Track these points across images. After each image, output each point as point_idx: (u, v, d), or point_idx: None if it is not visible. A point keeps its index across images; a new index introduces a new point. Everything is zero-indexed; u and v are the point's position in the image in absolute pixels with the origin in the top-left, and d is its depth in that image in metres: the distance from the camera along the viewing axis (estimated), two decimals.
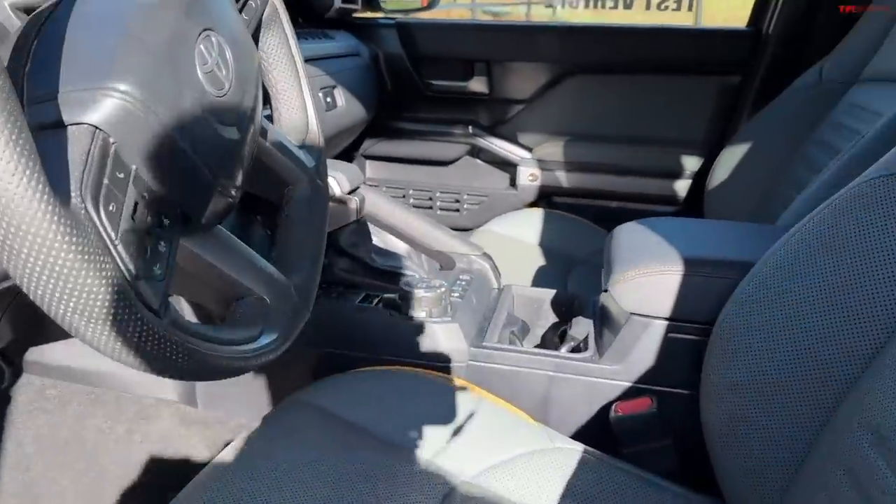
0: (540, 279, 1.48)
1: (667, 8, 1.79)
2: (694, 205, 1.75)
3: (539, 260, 1.56)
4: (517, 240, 1.64)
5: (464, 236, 1.17)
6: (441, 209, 1.93)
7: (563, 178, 1.82)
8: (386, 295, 0.95)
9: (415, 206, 1.94)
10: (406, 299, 0.91)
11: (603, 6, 1.86)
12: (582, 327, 0.98)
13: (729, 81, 1.70)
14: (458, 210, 1.92)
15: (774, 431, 0.72)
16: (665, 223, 1.01)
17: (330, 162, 1.00)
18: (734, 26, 1.71)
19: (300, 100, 0.72)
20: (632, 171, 1.78)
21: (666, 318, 0.85)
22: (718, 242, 0.90)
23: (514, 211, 1.79)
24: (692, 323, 0.84)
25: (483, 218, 1.90)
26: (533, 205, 1.87)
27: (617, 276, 0.86)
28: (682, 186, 1.77)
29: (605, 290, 0.90)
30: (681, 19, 1.96)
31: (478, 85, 1.83)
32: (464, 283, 1.05)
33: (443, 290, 0.91)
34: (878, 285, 0.64)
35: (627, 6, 1.82)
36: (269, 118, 0.70)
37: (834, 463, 0.60)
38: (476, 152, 1.90)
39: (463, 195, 1.90)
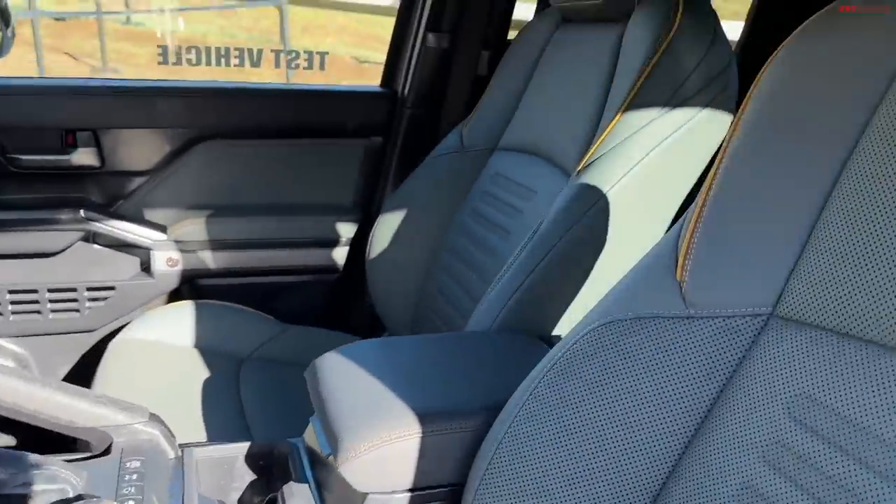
0: (207, 391, 1.26)
1: (298, 66, 1.68)
2: (354, 273, 1.68)
3: (200, 367, 1.33)
4: (167, 345, 1.37)
5: (120, 400, 0.89)
6: (53, 311, 1.53)
7: (209, 258, 1.59)
8: None
9: (14, 314, 1.51)
10: None
11: (228, 63, 1.66)
12: (299, 501, 0.81)
13: (373, 144, 1.66)
14: (77, 311, 1.54)
15: None
16: (373, 351, 0.89)
17: None
18: (371, 87, 1.67)
19: None
20: (286, 244, 1.63)
21: (409, 490, 0.74)
22: (447, 380, 0.82)
23: (156, 308, 1.50)
24: (439, 488, 0.74)
25: (112, 315, 1.56)
26: (175, 294, 1.60)
27: (346, 454, 0.71)
28: (340, 255, 1.68)
29: (329, 455, 0.75)
30: (314, 78, 1.86)
31: (84, 157, 1.49)
32: (134, 476, 0.79)
33: None
34: (626, 433, 0.62)
35: (255, 64, 1.65)
36: None
37: None
38: (92, 237, 1.55)
39: (81, 291, 1.54)
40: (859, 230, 0.54)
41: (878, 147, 0.54)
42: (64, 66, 6.05)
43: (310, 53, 1.65)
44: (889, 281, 0.50)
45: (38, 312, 1.52)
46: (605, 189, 1.02)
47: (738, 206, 0.63)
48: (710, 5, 1.09)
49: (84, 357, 1.58)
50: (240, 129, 1.58)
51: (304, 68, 1.66)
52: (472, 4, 1.58)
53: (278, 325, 1.51)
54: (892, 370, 0.49)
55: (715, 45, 1.05)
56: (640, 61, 1.04)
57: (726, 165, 0.65)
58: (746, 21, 2.02)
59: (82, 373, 1.54)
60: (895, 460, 0.46)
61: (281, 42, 5.25)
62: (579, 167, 1.07)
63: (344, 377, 0.82)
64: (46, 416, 0.82)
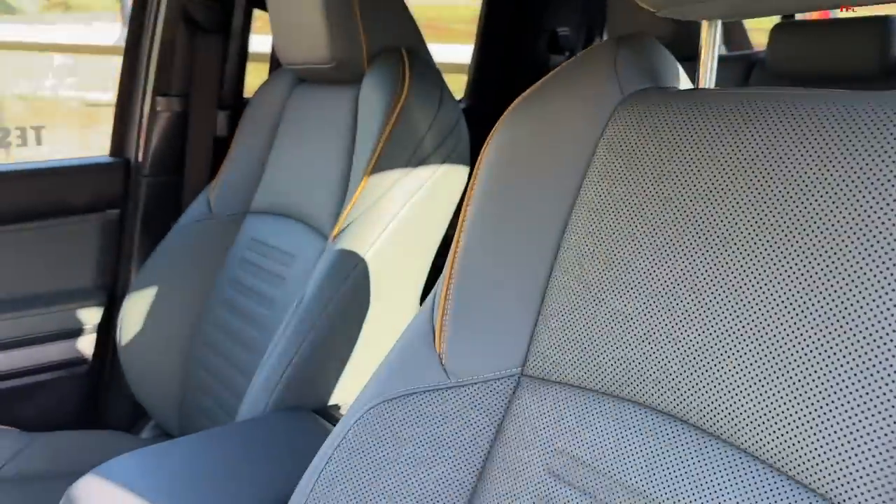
0: None
1: (10, 144, 1.47)
2: (106, 361, 1.53)
3: None
4: None
5: None
6: None
7: None
8: None
9: None
10: None
11: None
12: None
13: (109, 218, 1.53)
14: None
15: None
16: (138, 465, 0.82)
17: None
18: (100, 157, 1.54)
19: None
20: (20, 342, 1.44)
21: None
22: (225, 484, 0.77)
23: None
24: None
25: None
26: None
27: None
28: (87, 344, 1.52)
29: None
30: (29, 156, 1.64)
31: None
32: None
33: None
34: None
35: None
36: None
37: None
38: None
39: None
40: (584, 288, 0.60)
41: (592, 203, 0.61)
42: None
43: (23, 130, 1.48)
44: (613, 335, 0.57)
45: None
46: (362, 253, 1.04)
47: (480, 273, 0.67)
48: (435, 66, 1.17)
49: None
50: None
51: (19, 145, 1.48)
52: (202, 66, 1.52)
53: (24, 437, 1.33)
54: (628, 419, 0.55)
55: (444, 104, 1.12)
56: (377, 124, 1.08)
57: (465, 236, 0.69)
58: (474, 50, 2.19)
59: None
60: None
61: None
62: (335, 232, 1.08)
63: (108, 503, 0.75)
64: None
